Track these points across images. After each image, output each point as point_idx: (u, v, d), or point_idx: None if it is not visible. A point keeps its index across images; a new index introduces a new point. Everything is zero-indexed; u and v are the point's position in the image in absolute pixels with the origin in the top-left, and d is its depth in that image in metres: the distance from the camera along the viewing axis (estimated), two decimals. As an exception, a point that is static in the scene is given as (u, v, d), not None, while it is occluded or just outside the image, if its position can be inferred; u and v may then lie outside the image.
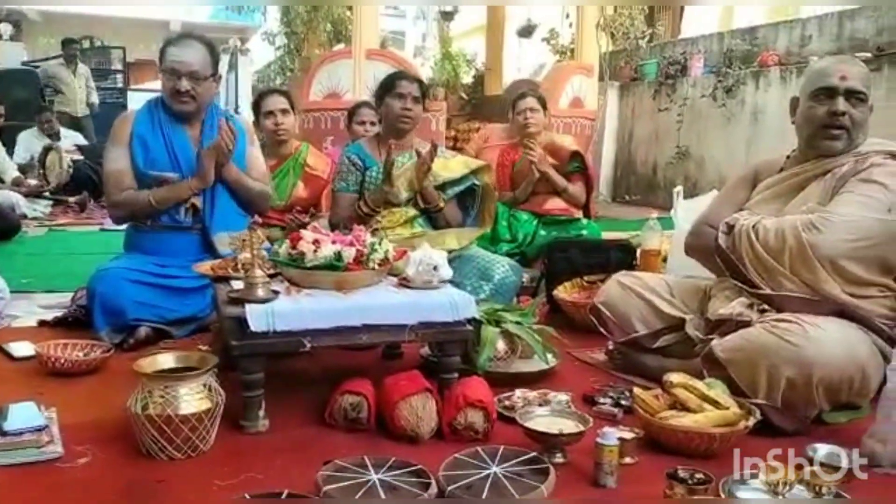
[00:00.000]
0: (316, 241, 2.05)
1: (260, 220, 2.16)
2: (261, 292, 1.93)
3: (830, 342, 1.92)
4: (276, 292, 1.97)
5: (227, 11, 15.07)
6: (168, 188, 2.77)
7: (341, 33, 8.03)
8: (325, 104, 5.77)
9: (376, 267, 2.09)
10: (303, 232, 2.10)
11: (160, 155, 2.79)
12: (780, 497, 1.56)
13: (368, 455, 1.69)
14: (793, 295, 2.07)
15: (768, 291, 2.12)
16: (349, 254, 2.04)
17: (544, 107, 3.96)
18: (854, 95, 2.18)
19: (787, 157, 2.37)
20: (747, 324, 2.08)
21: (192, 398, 1.76)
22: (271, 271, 2.12)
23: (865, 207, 2.05)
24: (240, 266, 2.16)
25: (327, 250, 2.02)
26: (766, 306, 2.12)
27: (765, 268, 2.13)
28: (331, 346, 2.07)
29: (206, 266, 2.33)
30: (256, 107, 3.65)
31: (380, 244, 2.13)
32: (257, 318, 1.86)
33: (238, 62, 11.31)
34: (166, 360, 1.91)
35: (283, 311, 1.90)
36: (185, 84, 2.73)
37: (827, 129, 2.19)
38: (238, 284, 2.03)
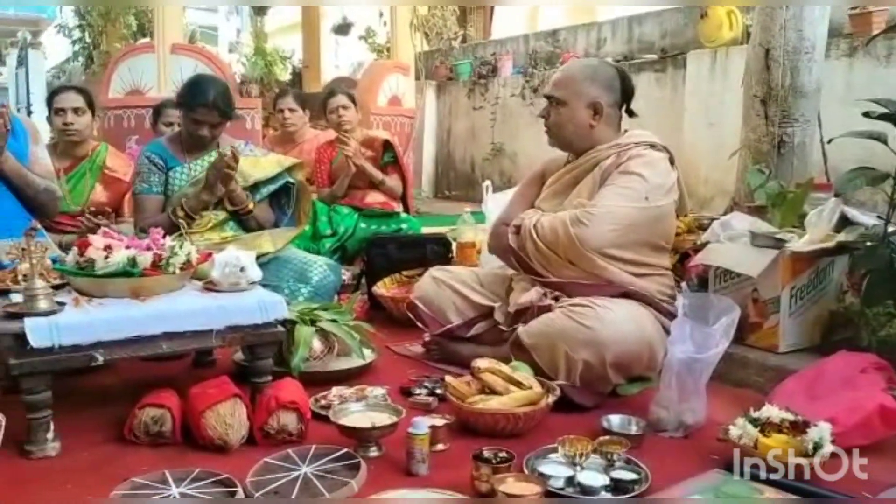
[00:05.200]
0: (107, 247, 1.92)
1: (39, 225, 1.97)
2: (42, 304, 1.77)
3: (620, 322, 2.08)
4: (61, 304, 1.82)
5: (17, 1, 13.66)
6: None
7: (145, 27, 7.56)
8: (128, 101, 5.42)
9: (177, 271, 1.99)
10: (92, 237, 1.95)
11: None
12: (579, 468, 1.66)
13: (170, 469, 1.61)
14: (578, 282, 2.23)
15: (554, 280, 2.27)
16: (145, 259, 1.93)
17: (354, 103, 3.97)
18: (549, 100, 2.42)
19: None
20: (548, 308, 2.21)
21: (-37, 426, 1.58)
22: (57, 281, 1.95)
23: (624, 198, 2.22)
24: (19, 277, 1.96)
25: (120, 256, 1.90)
26: (557, 293, 2.26)
27: (547, 261, 2.29)
28: (129, 357, 1.94)
29: (-20, 279, 2.10)
30: (50, 104, 3.35)
31: (181, 247, 2.03)
32: (38, 332, 1.71)
33: (29, 57, 10.34)
34: (-69, 386, 1.70)
35: (69, 323, 1.76)
36: None
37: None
38: (17, 297, 1.85)
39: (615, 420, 1.94)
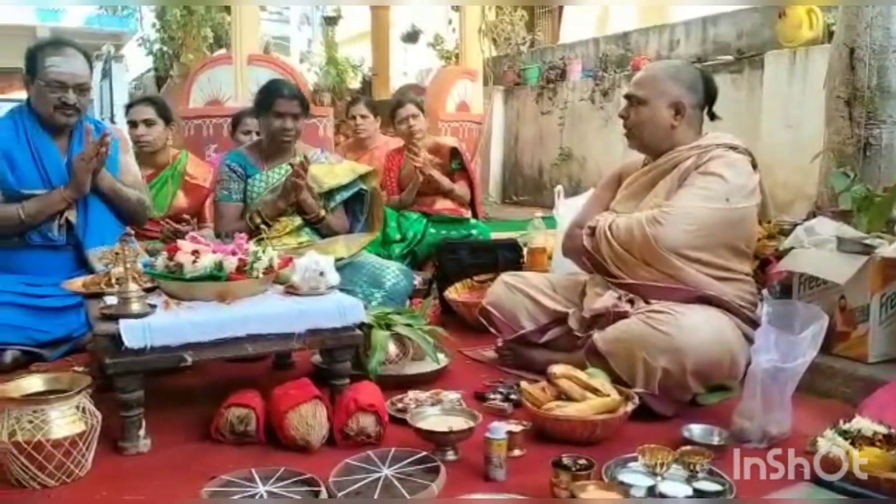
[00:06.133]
0: (195, 252, 1.99)
1: (132, 231, 2.08)
2: (136, 307, 1.84)
3: (699, 328, 2.04)
4: (152, 306, 1.89)
5: (102, 16, 14.29)
6: (39, 199, 2.61)
7: (222, 38, 7.82)
8: (207, 111, 5.60)
9: (260, 275, 2.05)
10: (180, 242, 2.03)
11: (28, 170, 2.64)
12: (660, 477, 1.63)
13: (256, 468, 1.66)
14: (654, 284, 2.21)
15: (630, 281, 2.25)
16: (231, 263, 1.99)
17: (422, 111, 4.02)
18: (630, 99, 2.37)
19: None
20: (624, 314, 2.18)
21: (64, 421, 1.66)
22: (148, 285, 2.04)
23: (703, 198, 2.19)
24: (113, 281, 2.06)
25: (207, 260, 1.96)
26: (633, 296, 2.24)
27: (623, 262, 2.27)
28: (215, 359, 2.01)
29: (77, 283, 2.22)
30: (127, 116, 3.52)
31: (263, 252, 2.09)
32: (132, 333, 1.78)
33: (112, 69, 10.78)
34: (34, 383, 1.79)
35: (160, 325, 1.83)
36: (73, 97, 2.61)
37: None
38: (112, 300, 1.94)
39: (696, 430, 1.90)
